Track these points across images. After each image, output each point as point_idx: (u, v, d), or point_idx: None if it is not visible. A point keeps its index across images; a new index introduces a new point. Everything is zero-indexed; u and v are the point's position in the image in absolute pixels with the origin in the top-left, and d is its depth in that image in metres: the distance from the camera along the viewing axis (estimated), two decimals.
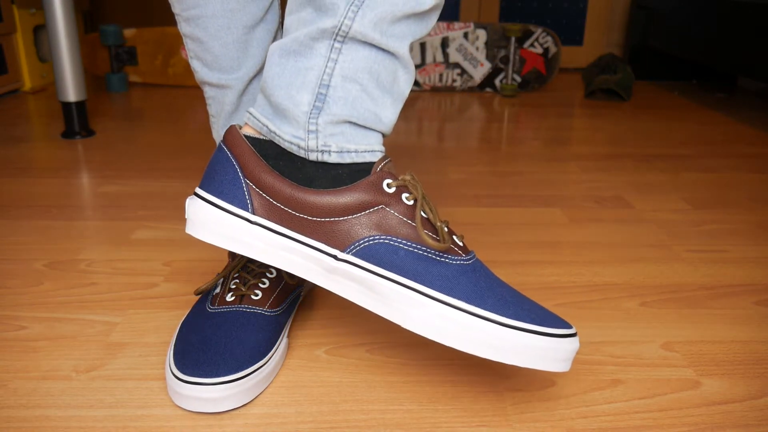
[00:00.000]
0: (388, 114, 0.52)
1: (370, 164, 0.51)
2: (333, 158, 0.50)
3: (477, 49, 1.86)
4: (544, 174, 1.16)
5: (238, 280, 0.61)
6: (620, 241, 0.88)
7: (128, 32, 1.86)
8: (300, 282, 0.66)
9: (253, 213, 0.51)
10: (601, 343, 0.63)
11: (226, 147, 0.52)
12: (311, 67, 0.49)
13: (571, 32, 2.25)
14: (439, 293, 0.48)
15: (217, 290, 0.61)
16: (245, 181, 0.51)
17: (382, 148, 0.52)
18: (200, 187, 0.53)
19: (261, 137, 0.52)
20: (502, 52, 1.87)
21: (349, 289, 0.50)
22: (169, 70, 1.88)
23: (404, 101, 0.53)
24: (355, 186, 0.49)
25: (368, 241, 0.49)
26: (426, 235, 0.48)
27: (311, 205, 0.50)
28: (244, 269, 0.62)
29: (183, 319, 0.60)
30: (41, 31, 1.81)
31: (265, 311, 0.59)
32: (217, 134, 0.65)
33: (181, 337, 0.57)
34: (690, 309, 0.70)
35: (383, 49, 0.49)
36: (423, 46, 1.85)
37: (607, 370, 0.59)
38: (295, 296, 0.64)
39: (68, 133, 1.34)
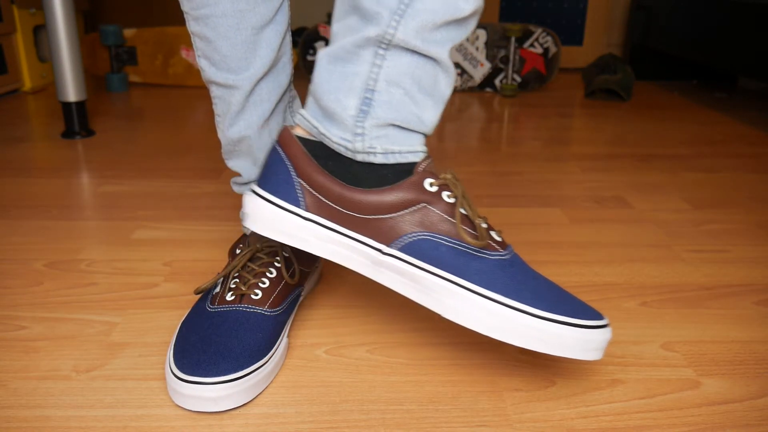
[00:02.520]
0: (429, 116, 0.54)
1: (413, 164, 0.54)
2: (378, 159, 0.54)
3: (477, 49, 1.86)
4: (544, 174, 1.16)
5: (238, 280, 0.61)
6: (620, 241, 0.88)
7: (128, 32, 1.86)
8: (300, 282, 0.66)
9: (306, 210, 0.55)
10: None
11: (280, 147, 0.56)
12: (357, 73, 0.52)
13: (571, 32, 2.25)
14: (477, 286, 0.51)
15: (217, 289, 0.61)
16: (298, 180, 0.55)
17: (424, 149, 0.55)
18: (257, 185, 0.57)
19: (312, 138, 0.55)
20: (502, 52, 1.87)
21: (394, 281, 0.54)
22: (169, 70, 1.88)
23: (445, 103, 0.55)
24: (399, 185, 0.53)
25: (411, 237, 0.52)
26: (464, 232, 0.52)
27: (359, 203, 0.53)
28: (244, 269, 0.62)
29: (183, 318, 0.60)
30: (41, 31, 1.81)
31: (265, 311, 0.59)
32: (223, 134, 0.65)
33: (181, 337, 0.57)
34: (690, 309, 0.70)
35: (425, 55, 0.52)
36: None
37: (607, 370, 0.59)
38: (295, 296, 0.64)
39: (68, 133, 1.34)
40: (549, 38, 1.88)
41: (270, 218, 0.55)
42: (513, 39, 1.84)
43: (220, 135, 0.66)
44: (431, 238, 0.52)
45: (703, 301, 0.72)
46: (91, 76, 2.02)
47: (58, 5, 1.24)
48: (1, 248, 0.82)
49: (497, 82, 1.89)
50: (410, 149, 0.54)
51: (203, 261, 0.79)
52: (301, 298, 0.67)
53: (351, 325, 0.66)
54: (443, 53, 0.52)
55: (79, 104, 1.33)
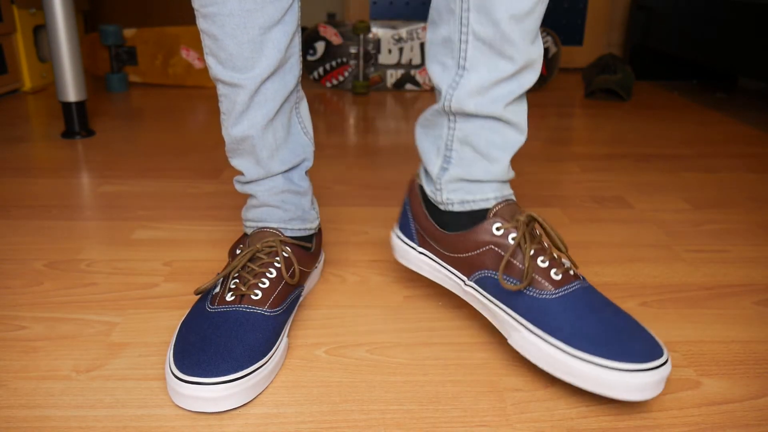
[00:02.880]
0: (498, 166, 0.62)
1: (485, 210, 0.62)
2: (456, 208, 0.63)
3: None
4: (544, 174, 1.16)
5: (238, 280, 0.61)
6: (620, 241, 0.88)
7: (128, 32, 1.86)
8: (300, 282, 0.66)
9: (418, 245, 0.67)
10: None
11: (407, 193, 0.69)
12: (440, 136, 0.63)
13: (571, 32, 2.25)
14: (524, 320, 0.57)
15: (217, 290, 0.61)
16: (413, 221, 0.67)
17: (498, 194, 0.62)
18: (397, 225, 0.71)
19: None
20: None
21: (478, 306, 0.62)
22: (169, 70, 1.88)
23: (515, 150, 0.62)
24: (472, 231, 0.61)
25: (481, 273, 0.60)
26: (513, 271, 0.58)
27: (446, 243, 0.63)
28: (244, 269, 0.62)
29: (183, 318, 0.60)
30: (41, 31, 1.81)
31: (265, 311, 0.59)
32: (227, 132, 0.64)
33: (180, 337, 0.57)
34: (690, 309, 0.70)
35: (484, 116, 0.60)
36: (423, 46, 1.84)
37: None
38: (295, 296, 0.64)
39: (68, 133, 1.34)
40: (549, 38, 1.88)
41: (400, 250, 0.69)
42: None
43: (224, 133, 0.65)
44: (493, 276, 0.59)
45: (703, 301, 0.72)
46: (91, 76, 2.02)
47: (58, 5, 1.24)
48: (1, 248, 0.82)
49: None
50: (482, 197, 0.62)
51: (203, 261, 0.79)
52: (301, 298, 0.67)
53: (351, 325, 0.66)
54: (499, 110, 0.59)
55: (79, 104, 1.33)
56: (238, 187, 0.69)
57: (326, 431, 0.51)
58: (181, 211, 0.95)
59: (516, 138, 0.61)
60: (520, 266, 0.58)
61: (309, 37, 1.86)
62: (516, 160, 1.24)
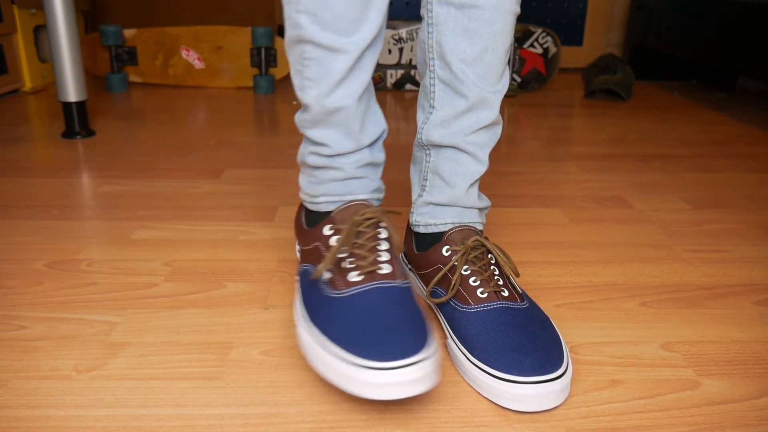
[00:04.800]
0: (457, 191, 0.68)
1: (442, 233, 0.67)
2: (422, 230, 0.69)
3: None
4: (544, 174, 1.16)
5: (353, 258, 0.58)
6: (620, 241, 0.88)
7: (128, 32, 1.86)
8: (402, 249, 0.65)
9: (407, 262, 0.74)
10: (601, 344, 0.63)
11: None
12: (420, 168, 0.70)
13: (571, 32, 2.25)
14: (448, 327, 0.62)
15: (329, 275, 0.58)
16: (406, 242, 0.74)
17: (456, 220, 0.68)
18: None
19: None
20: None
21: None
22: (169, 70, 1.88)
23: (475, 178, 0.68)
24: (428, 251, 0.66)
25: (432, 288, 0.65)
26: (435, 289, 0.65)
27: (413, 261, 0.70)
28: (354, 247, 0.59)
29: (302, 319, 0.57)
30: (41, 31, 1.81)
31: (400, 284, 0.57)
32: (316, 101, 0.59)
33: (330, 333, 0.52)
34: (690, 309, 0.70)
35: (449, 146, 0.67)
36: None
37: (607, 370, 0.59)
38: (402, 265, 0.65)
39: (68, 133, 1.34)
40: (549, 38, 1.88)
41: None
42: (513, 39, 1.84)
43: (309, 102, 0.60)
44: (437, 290, 0.64)
45: (703, 301, 0.72)
46: (91, 77, 2.02)
47: (58, 5, 1.24)
48: (1, 248, 0.82)
49: None
50: (442, 222, 0.68)
51: (203, 261, 0.79)
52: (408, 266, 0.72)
53: None
54: (459, 141, 0.66)
55: (80, 104, 1.33)
56: (315, 160, 0.64)
57: (326, 431, 0.51)
58: (181, 211, 0.95)
59: (475, 168, 0.68)
60: (452, 280, 0.62)
61: None
62: (516, 160, 1.24)
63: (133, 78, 1.91)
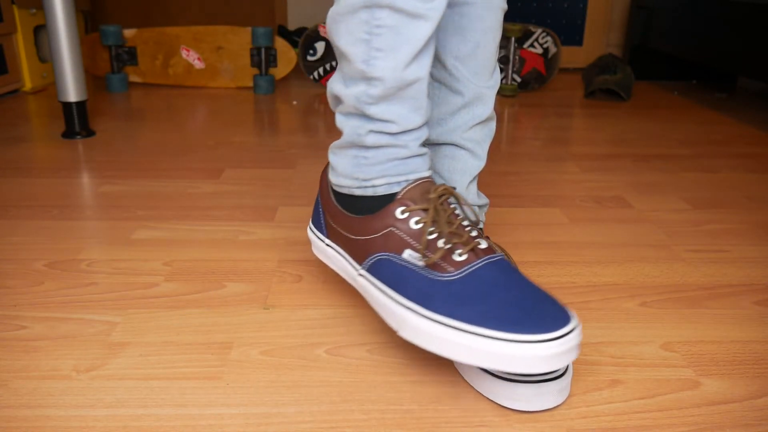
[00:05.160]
0: (458, 188, 0.67)
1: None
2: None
3: None
4: (544, 174, 1.16)
5: (448, 238, 0.55)
6: (620, 241, 0.88)
7: (128, 32, 1.86)
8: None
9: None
10: (601, 344, 0.63)
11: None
12: None
13: (571, 32, 2.25)
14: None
15: (425, 259, 0.55)
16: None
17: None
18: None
19: None
20: (502, 52, 1.87)
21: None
22: (169, 70, 1.88)
23: (474, 174, 0.69)
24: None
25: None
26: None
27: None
28: (444, 226, 0.55)
29: (413, 315, 0.53)
30: (41, 31, 1.81)
31: (502, 256, 0.55)
32: (389, 71, 0.54)
33: (472, 316, 0.50)
34: (690, 309, 0.70)
35: (443, 143, 0.69)
36: None
37: (607, 370, 0.59)
38: None
39: (68, 133, 1.34)
40: (549, 38, 1.88)
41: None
42: (513, 39, 1.84)
43: (379, 73, 0.55)
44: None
45: (703, 301, 0.72)
46: (91, 77, 2.02)
47: (58, 5, 1.24)
48: (1, 248, 0.82)
49: None
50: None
51: (203, 261, 0.79)
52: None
53: (351, 325, 0.66)
54: (456, 138, 0.67)
55: (80, 104, 1.33)
56: (377, 140, 0.58)
57: (326, 431, 0.51)
58: (181, 211, 0.95)
59: (473, 163, 0.67)
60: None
61: (309, 37, 1.86)
62: (516, 160, 1.24)
63: (133, 78, 1.91)
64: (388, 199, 0.59)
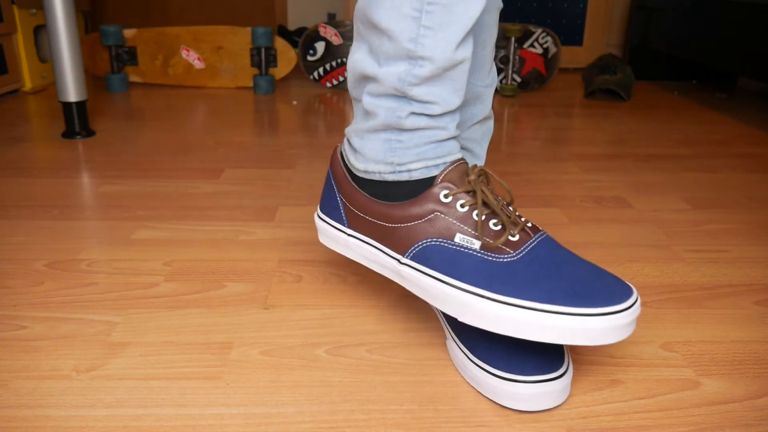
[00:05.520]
0: None
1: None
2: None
3: None
4: (544, 174, 1.16)
5: (497, 219, 0.54)
6: (620, 241, 0.88)
7: (128, 32, 1.86)
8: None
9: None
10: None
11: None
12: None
13: (571, 32, 2.25)
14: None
15: (479, 243, 0.54)
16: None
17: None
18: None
19: None
20: (502, 53, 1.87)
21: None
22: (169, 70, 1.88)
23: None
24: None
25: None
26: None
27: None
28: (491, 206, 0.54)
29: (479, 299, 0.52)
30: (41, 31, 1.81)
31: (547, 233, 0.56)
32: (439, 51, 0.52)
33: (545, 296, 0.50)
34: (690, 309, 0.70)
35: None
36: None
37: (607, 370, 0.59)
38: None
39: (68, 133, 1.34)
40: (549, 38, 1.88)
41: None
42: (513, 39, 1.84)
43: (428, 53, 0.52)
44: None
45: (703, 301, 0.72)
46: (91, 77, 2.02)
47: (58, 5, 1.24)
48: (1, 248, 0.82)
49: (497, 82, 1.89)
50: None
51: (203, 261, 0.79)
52: None
53: (351, 325, 0.66)
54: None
55: (80, 104, 1.33)
56: (417, 122, 0.56)
57: (326, 431, 0.51)
58: (181, 211, 0.95)
59: (472, 162, 0.66)
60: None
61: (309, 37, 1.86)
62: (516, 160, 1.24)
63: (133, 78, 1.91)
64: (427, 183, 0.57)
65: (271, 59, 1.86)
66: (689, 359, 0.61)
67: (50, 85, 1.85)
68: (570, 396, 0.55)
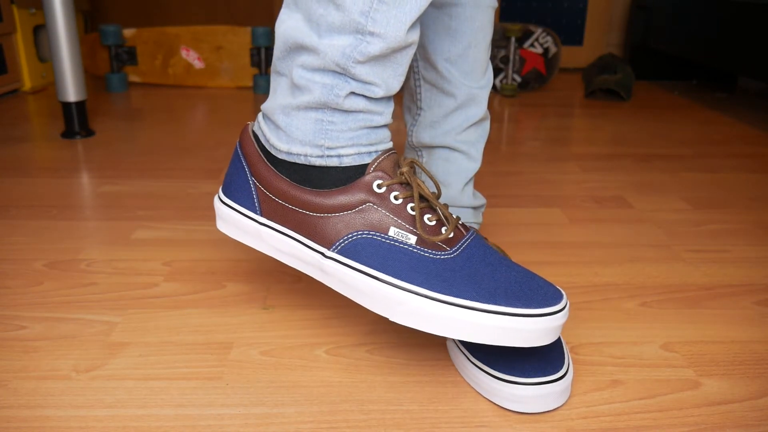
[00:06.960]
0: (452, 190, 0.69)
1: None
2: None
3: None
4: (544, 174, 1.16)
5: (431, 214, 0.53)
6: (620, 241, 0.88)
7: (128, 32, 1.86)
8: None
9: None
10: (601, 344, 0.63)
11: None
12: None
13: (571, 32, 2.25)
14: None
15: (416, 237, 0.52)
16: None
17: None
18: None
19: None
20: (502, 52, 1.87)
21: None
22: (169, 70, 1.88)
23: (469, 176, 0.69)
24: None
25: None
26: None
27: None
28: (423, 200, 0.53)
29: (416, 298, 0.50)
30: (41, 31, 1.81)
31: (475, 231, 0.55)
32: (392, 28, 0.48)
33: (485, 295, 0.49)
34: (690, 309, 0.70)
35: (438, 146, 0.69)
36: None
37: (607, 370, 0.59)
38: None
39: (68, 133, 1.34)
40: (549, 38, 1.88)
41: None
42: (513, 39, 1.84)
43: (380, 29, 0.48)
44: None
45: (703, 301, 0.72)
46: (91, 76, 2.02)
47: (58, 5, 1.24)
48: (1, 248, 0.82)
49: (497, 82, 1.89)
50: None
51: (203, 261, 0.79)
52: None
53: (351, 325, 0.66)
54: (450, 140, 0.67)
55: (79, 104, 1.33)
56: (356, 103, 0.52)
57: (326, 431, 0.51)
58: (181, 211, 0.95)
59: (468, 165, 0.67)
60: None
61: None
62: (516, 160, 1.24)
63: (133, 78, 1.90)
64: (359, 171, 0.53)
65: (271, 59, 1.86)
66: (689, 359, 0.61)
67: (50, 85, 1.85)
68: (570, 396, 0.55)
